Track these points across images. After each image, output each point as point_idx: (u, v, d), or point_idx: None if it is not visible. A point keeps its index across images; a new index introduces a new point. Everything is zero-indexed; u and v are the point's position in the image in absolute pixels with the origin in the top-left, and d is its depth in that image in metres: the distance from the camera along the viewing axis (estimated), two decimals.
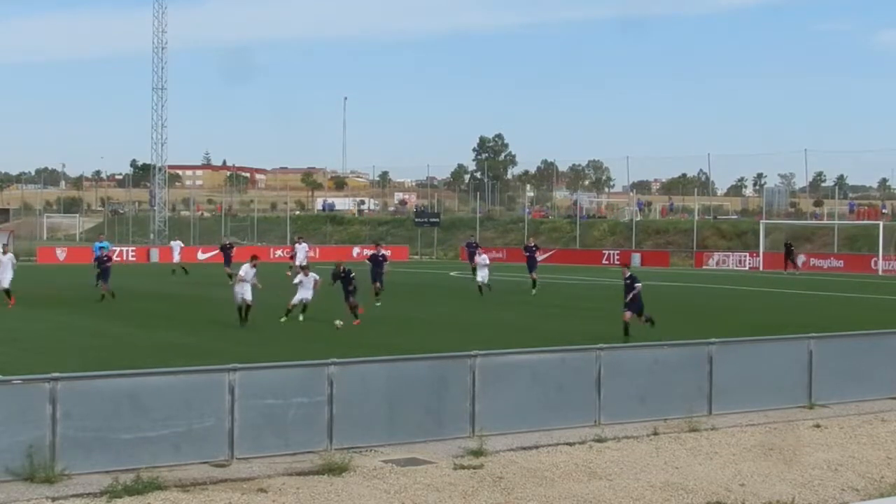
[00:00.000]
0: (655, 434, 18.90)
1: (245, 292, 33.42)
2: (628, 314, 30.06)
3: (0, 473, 14.58)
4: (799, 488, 15.63)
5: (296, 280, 35.45)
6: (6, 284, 41.30)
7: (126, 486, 14.36)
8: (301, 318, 34.78)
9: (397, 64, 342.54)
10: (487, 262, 49.28)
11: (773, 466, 16.92)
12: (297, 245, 61.37)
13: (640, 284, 30.34)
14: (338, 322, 32.53)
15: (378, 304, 40.71)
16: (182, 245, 69.87)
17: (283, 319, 34.43)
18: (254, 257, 34.82)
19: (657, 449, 17.93)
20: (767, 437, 19.14)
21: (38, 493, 14.24)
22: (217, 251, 67.02)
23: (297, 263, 59.27)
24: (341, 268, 35.23)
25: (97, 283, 44.48)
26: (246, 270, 33.65)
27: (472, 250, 61.30)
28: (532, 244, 54.11)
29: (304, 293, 34.89)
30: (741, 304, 47.69)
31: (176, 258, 65.58)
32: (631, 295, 30.35)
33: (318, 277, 35.11)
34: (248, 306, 33.38)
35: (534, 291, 49.30)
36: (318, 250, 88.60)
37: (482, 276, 47.66)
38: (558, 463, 16.75)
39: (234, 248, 61.84)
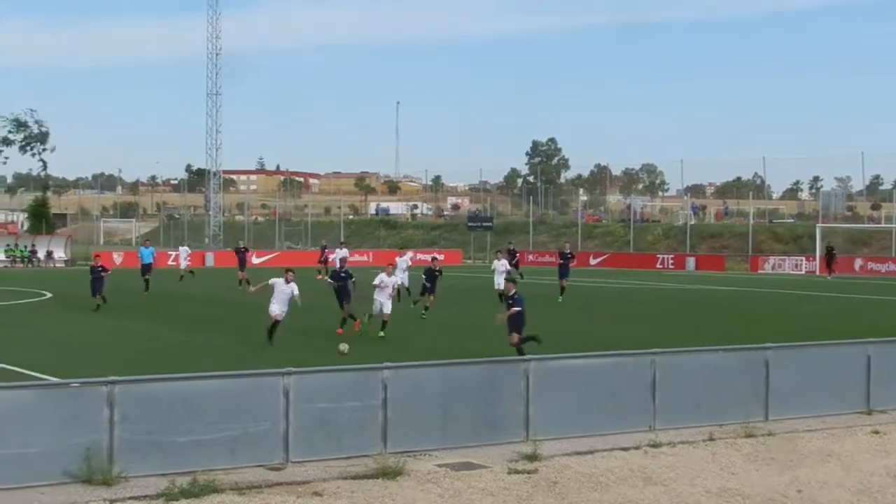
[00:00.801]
0: (711, 439, 18.77)
1: (280, 307, 29.88)
2: (515, 337, 26.54)
3: (58, 475, 14.69)
4: (857, 495, 15.48)
5: (375, 281, 32.61)
6: None
7: (182, 489, 14.43)
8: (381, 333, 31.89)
9: (450, 68, 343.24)
10: (506, 267, 47.13)
11: (830, 473, 16.76)
12: (338, 249, 61.04)
13: (518, 308, 26.59)
14: (343, 346, 27.45)
15: (422, 311, 39.11)
16: (189, 251, 68.00)
17: (381, 334, 31.67)
18: (289, 271, 30.75)
19: (713, 454, 17.81)
20: (825, 442, 18.97)
21: (95, 495, 14.34)
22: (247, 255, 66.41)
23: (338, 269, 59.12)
24: (343, 269, 33.62)
25: (95, 294, 41.79)
26: (280, 287, 29.93)
27: (513, 256, 60.79)
28: (568, 251, 52.34)
29: (383, 298, 32.37)
30: (798, 308, 47.32)
31: (183, 264, 63.77)
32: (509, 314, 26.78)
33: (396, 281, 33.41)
34: (277, 322, 29.87)
35: (560, 299, 47.75)
36: (370, 254, 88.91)
37: (499, 282, 44.89)
38: (613, 468, 16.67)
39: (249, 252, 60.98)
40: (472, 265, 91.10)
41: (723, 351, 21.47)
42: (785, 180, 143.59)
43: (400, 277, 45.20)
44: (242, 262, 57.37)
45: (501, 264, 46.78)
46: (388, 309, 32.21)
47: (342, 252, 59.88)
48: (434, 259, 44.37)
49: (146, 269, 53.37)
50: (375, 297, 32.49)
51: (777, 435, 19.38)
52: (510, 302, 26.84)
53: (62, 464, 14.77)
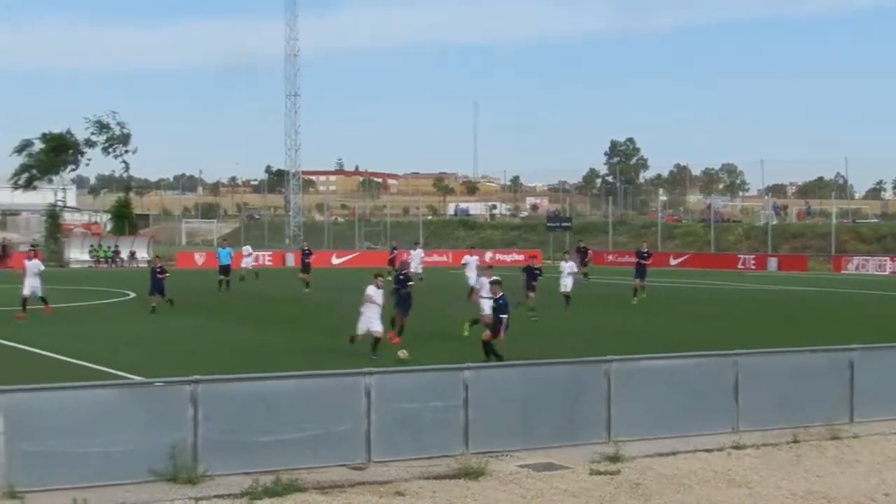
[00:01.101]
0: (795, 441, 18.55)
1: (372, 321, 27.24)
2: (488, 334, 26.28)
3: (144, 474, 14.85)
4: None
5: (476, 285, 31.59)
6: (27, 292, 38.38)
7: (266, 488, 14.53)
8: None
9: (528, 68, 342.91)
10: (574, 269, 45.25)
11: None
12: (412, 251, 60.14)
13: (504, 315, 26.29)
14: (402, 353, 26.20)
15: (530, 313, 37.69)
16: (251, 250, 67.70)
17: (465, 333, 30.72)
18: (378, 275, 28.24)
19: (797, 457, 17.61)
20: None
21: (180, 493, 14.48)
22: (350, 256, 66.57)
23: (412, 270, 57.82)
24: (402, 272, 32.06)
25: (152, 293, 41.33)
26: (372, 293, 27.35)
27: (583, 255, 59.89)
28: (645, 250, 50.22)
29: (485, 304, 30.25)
30: (883, 309, 46.65)
31: (246, 263, 63.35)
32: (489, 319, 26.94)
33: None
34: (377, 339, 27.21)
35: (635, 300, 46.33)
36: (450, 255, 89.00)
37: (565, 284, 43.39)
38: (696, 470, 16.54)
39: (314, 255, 59.64)
40: (551, 265, 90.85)
41: (807, 352, 21.23)
42: (867, 180, 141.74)
43: (469, 277, 45.31)
44: (306, 265, 56.53)
45: (569, 266, 44.70)
46: (487, 310, 30.32)
47: (417, 253, 59.19)
48: (533, 258, 43.32)
49: (224, 269, 53.60)
50: (481, 301, 30.95)
51: (863, 437, 19.11)
52: (495, 306, 26.54)
53: (147, 462, 14.92)
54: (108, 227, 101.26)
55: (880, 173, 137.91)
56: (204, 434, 15.32)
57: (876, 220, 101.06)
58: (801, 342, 25.97)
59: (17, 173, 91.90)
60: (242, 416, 15.70)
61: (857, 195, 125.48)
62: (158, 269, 42.01)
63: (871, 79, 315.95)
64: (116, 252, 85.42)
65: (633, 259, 52.93)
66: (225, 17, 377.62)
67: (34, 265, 38.93)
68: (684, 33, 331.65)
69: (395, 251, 66.41)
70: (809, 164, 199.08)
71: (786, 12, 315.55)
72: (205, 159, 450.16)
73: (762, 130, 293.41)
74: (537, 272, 40.17)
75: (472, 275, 45.50)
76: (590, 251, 66.23)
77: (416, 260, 57.38)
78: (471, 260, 48.03)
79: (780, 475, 16.29)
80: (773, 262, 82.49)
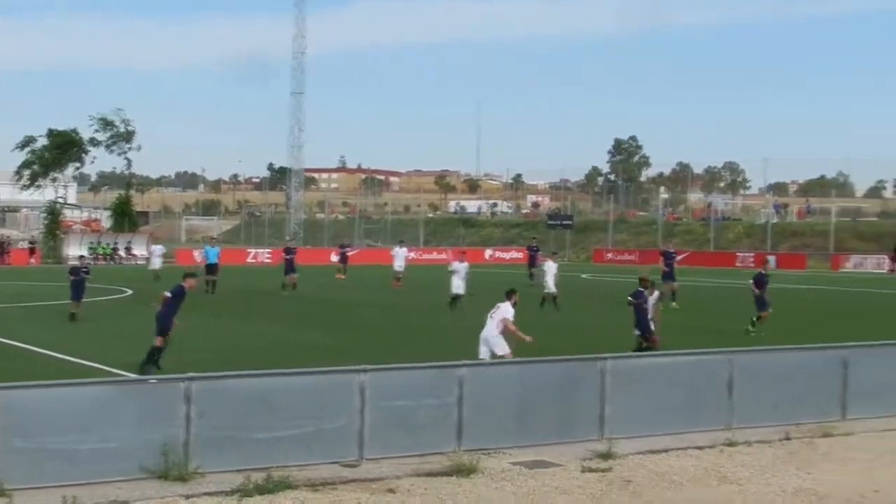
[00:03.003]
0: (787, 439, 18.60)
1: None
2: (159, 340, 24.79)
3: (135, 471, 14.85)
4: None
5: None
6: None
7: (257, 485, 14.54)
8: None
9: (531, 67, 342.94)
10: (554, 271, 42.58)
11: None
12: (396, 248, 58.72)
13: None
14: None
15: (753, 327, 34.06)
16: (163, 249, 65.69)
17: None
18: (513, 292, 23.85)
19: (789, 454, 17.64)
20: None
21: (171, 490, 14.50)
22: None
23: (395, 269, 56.49)
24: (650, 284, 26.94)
25: (76, 299, 36.80)
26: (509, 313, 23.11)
27: (533, 254, 59.02)
28: (672, 250, 48.03)
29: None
30: (878, 307, 46.66)
31: (155, 264, 61.72)
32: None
33: None
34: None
35: (675, 304, 42.52)
36: (449, 252, 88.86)
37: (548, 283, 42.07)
38: (687, 467, 16.58)
39: (297, 251, 55.86)
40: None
41: (801, 350, 21.27)
42: (868, 179, 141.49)
43: (456, 285, 41.54)
44: (290, 265, 52.47)
45: (554, 266, 42.80)
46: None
47: (401, 251, 57.48)
48: (766, 262, 38.39)
49: (211, 269, 50.35)
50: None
51: (855, 434, 19.16)
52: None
53: (139, 459, 14.92)
54: (108, 225, 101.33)
55: (882, 172, 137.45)
56: (197, 431, 15.33)
57: (876, 219, 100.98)
58: (796, 340, 26.02)
59: (20, 170, 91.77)
60: (235, 413, 15.71)
61: (858, 194, 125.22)
62: (84, 270, 37.52)
63: (873, 78, 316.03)
64: (115, 249, 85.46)
65: (633, 258, 52.40)
66: (232, 15, 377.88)
67: None
68: (688, 32, 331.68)
69: (346, 248, 66.71)
70: (812, 162, 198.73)
71: (786, 12, 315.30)
72: (207, 157, 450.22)
73: (765, 129, 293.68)
74: (767, 280, 34.92)
75: (460, 283, 41.66)
76: (538, 251, 61.68)
77: (399, 258, 56.21)
78: (460, 267, 42.57)
79: (770, 472, 16.33)
80: (771, 261, 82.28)
